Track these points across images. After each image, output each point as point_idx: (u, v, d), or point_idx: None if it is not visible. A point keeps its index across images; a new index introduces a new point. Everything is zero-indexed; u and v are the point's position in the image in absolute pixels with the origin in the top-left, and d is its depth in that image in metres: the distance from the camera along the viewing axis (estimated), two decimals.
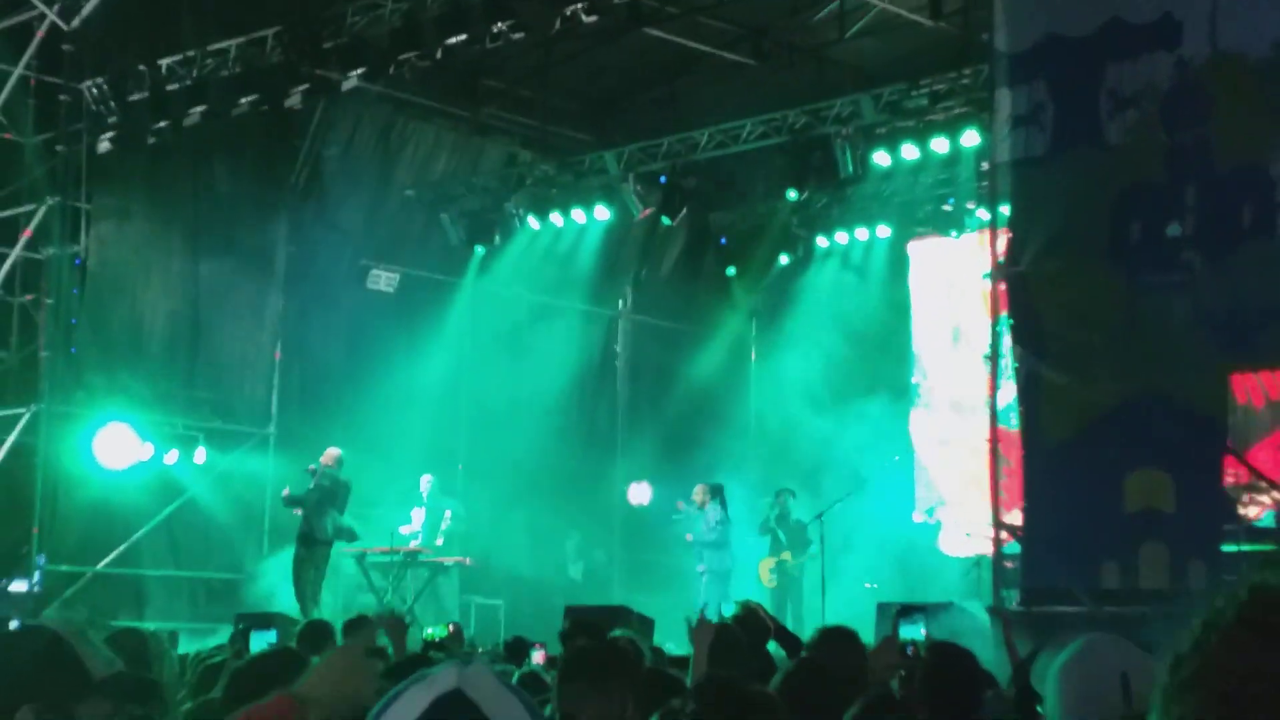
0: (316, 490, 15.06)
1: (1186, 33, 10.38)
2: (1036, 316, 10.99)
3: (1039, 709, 3.58)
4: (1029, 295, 11.01)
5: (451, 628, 9.64)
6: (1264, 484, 11.83)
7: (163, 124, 15.33)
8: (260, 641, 9.09)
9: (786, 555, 17.00)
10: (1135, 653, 3.10)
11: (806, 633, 12.32)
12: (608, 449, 20.90)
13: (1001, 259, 11.42)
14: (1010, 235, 11.30)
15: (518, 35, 13.79)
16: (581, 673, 3.86)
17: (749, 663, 5.79)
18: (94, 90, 15.37)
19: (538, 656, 8.73)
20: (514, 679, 6.03)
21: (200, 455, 16.48)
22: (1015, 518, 11.30)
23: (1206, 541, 9.99)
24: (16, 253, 15.45)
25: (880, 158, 16.78)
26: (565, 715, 3.62)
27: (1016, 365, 11.06)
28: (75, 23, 15.10)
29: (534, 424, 18.98)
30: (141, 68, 15.31)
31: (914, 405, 19.92)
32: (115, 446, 15.57)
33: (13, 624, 7.95)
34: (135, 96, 15.36)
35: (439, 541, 16.81)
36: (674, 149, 17.43)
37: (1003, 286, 11.46)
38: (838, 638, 5.75)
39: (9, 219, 15.57)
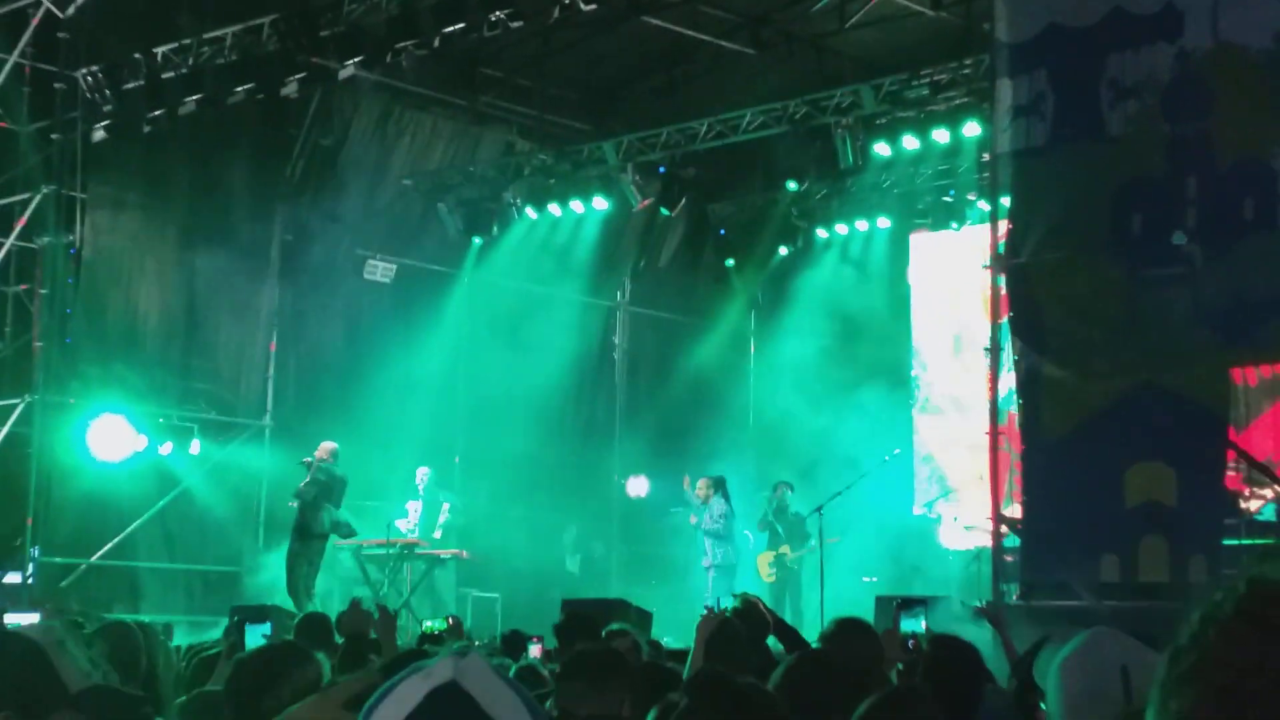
0: (314, 485, 15.04)
1: (1188, 24, 10.33)
2: (1036, 309, 10.95)
3: (1041, 705, 3.54)
4: (1029, 287, 10.97)
5: (450, 621, 9.60)
6: (1265, 478, 11.78)
7: (158, 113, 15.28)
8: (255, 634, 9.04)
9: (785, 549, 16.98)
10: (1138, 647, 3.04)
11: (805, 627, 12.29)
12: (606, 441, 20.88)
13: (1001, 248, 11.38)
14: (1010, 226, 11.26)
15: (516, 24, 13.74)
16: (581, 673, 3.83)
17: (749, 657, 5.75)
18: (89, 78, 15.31)
19: (535, 650, 8.69)
20: (511, 672, 5.98)
21: (195, 447, 16.45)
22: (1015, 511, 11.28)
23: (1207, 535, 9.96)
24: (11, 242, 15.39)
25: (881, 148, 16.76)
26: (563, 711, 3.59)
27: (1016, 358, 11.02)
28: (70, 10, 15.03)
29: (531, 416, 18.95)
30: (137, 56, 15.25)
31: (913, 398, 19.89)
32: (110, 438, 15.53)
33: (6, 617, 7.92)
34: (130, 85, 15.29)
35: (436, 534, 16.79)
36: (673, 139, 17.39)
37: (1003, 278, 11.42)
38: (852, 629, 5.72)
39: (4, 208, 15.52)
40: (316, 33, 14.37)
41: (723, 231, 20.62)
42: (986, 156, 12.99)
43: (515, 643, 9.01)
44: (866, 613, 12.51)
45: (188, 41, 15.13)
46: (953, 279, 19.20)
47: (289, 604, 13.77)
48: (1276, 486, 11.93)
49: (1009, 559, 11.23)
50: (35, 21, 15.09)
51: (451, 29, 13.69)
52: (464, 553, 16.62)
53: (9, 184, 15.49)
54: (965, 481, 18.06)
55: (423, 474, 17.12)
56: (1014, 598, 10.72)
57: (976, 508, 15.92)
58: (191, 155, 16.59)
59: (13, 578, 14.70)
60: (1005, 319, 11.39)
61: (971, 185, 17.66)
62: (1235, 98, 10.15)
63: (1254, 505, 12.01)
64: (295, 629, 8.25)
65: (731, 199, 20.61)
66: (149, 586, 15.79)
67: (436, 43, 13.93)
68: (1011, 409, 11.61)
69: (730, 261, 20.75)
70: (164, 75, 15.17)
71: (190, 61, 15.13)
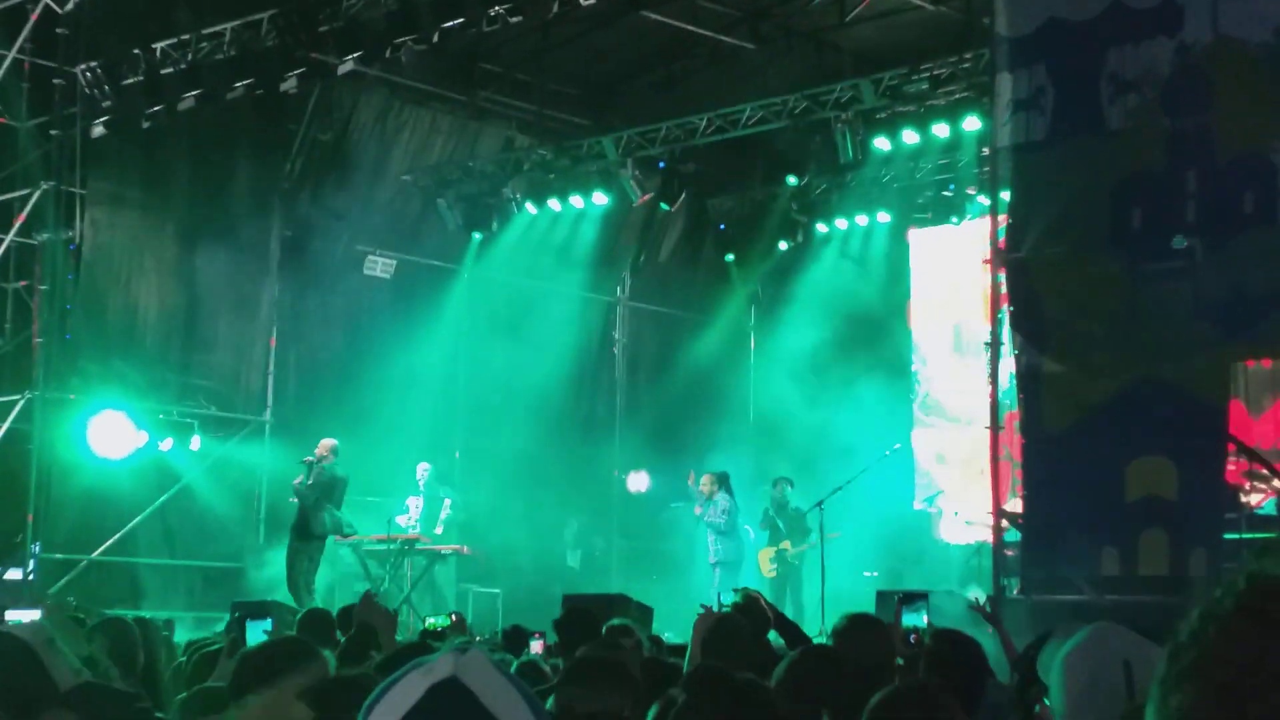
0: (316, 487, 15.04)
1: (1188, 18, 10.33)
2: (1037, 303, 10.95)
3: (1045, 700, 3.54)
4: (1029, 282, 10.97)
5: (454, 617, 9.60)
6: (1266, 470, 11.78)
7: (157, 108, 15.25)
8: (255, 630, 9.03)
9: (786, 545, 16.97)
10: (1141, 642, 3.04)
11: (806, 622, 12.29)
12: (606, 436, 20.87)
13: (999, 242, 11.38)
14: (1010, 221, 11.25)
15: (515, 19, 13.73)
16: (582, 679, 3.85)
17: (751, 652, 5.74)
18: (88, 74, 15.28)
19: (536, 646, 8.68)
20: (513, 668, 5.98)
21: (196, 443, 16.42)
22: (1015, 505, 11.28)
23: (1208, 529, 9.97)
24: (10, 238, 15.37)
25: (880, 143, 16.75)
26: (564, 708, 3.60)
27: (1016, 353, 11.02)
28: (69, 6, 15.01)
29: (531, 411, 18.94)
30: (136, 51, 15.22)
31: (913, 392, 19.89)
32: (110, 434, 15.51)
33: (7, 614, 7.90)
34: (130, 80, 15.27)
35: (438, 530, 16.78)
36: (672, 134, 17.37)
37: (1003, 273, 11.42)
38: (864, 625, 5.70)
39: (3, 204, 15.49)
40: (316, 28, 14.36)
41: (722, 226, 20.61)
42: (986, 151, 12.98)
43: (517, 638, 9.00)
44: (867, 607, 12.52)
45: (187, 37, 15.11)
46: (953, 274, 19.19)
47: (290, 600, 13.78)
48: (1276, 481, 11.93)
49: (1009, 553, 11.24)
50: (34, 17, 15.07)
51: (451, 24, 13.67)
52: (465, 548, 16.61)
53: (8, 180, 15.46)
54: (965, 476, 18.05)
55: (423, 469, 17.12)
56: (1014, 592, 10.72)
57: (977, 502, 15.92)
58: (191, 151, 16.56)
59: (13, 574, 14.68)
60: (1004, 308, 11.39)
61: (971, 180, 17.65)
62: (1235, 92, 10.15)
63: (1255, 499, 12.01)
64: (298, 625, 8.25)
65: (731, 194, 20.60)
66: (150, 583, 15.78)
67: (436, 38, 13.92)
68: (1012, 407, 11.61)
69: (730, 256, 20.76)
70: (163, 71, 15.15)
71: (189, 57, 15.10)
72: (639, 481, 20.41)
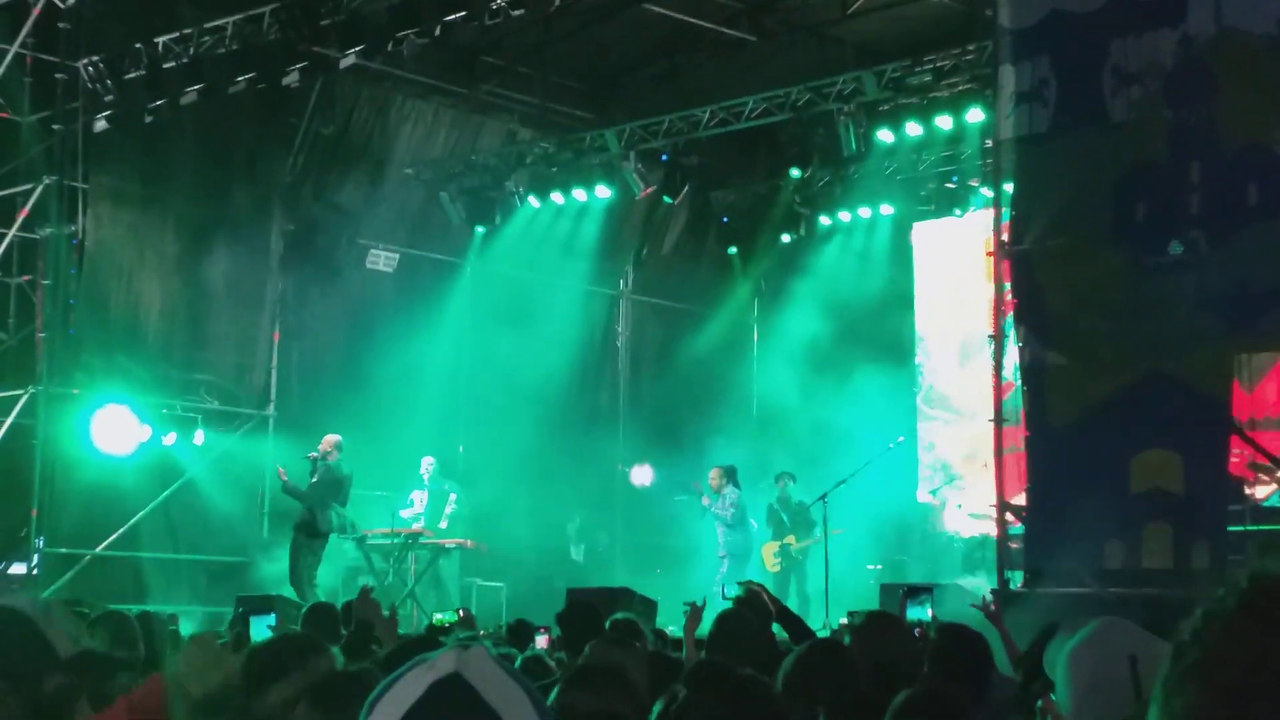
0: (320, 485, 15.04)
1: (1191, 9, 10.30)
2: (1040, 296, 10.94)
3: (1051, 695, 3.53)
4: (1032, 274, 10.95)
5: (461, 613, 9.60)
6: (1272, 465, 11.75)
7: (159, 103, 15.23)
8: (260, 625, 9.05)
9: (790, 539, 16.96)
10: (1146, 637, 3.04)
11: (811, 616, 12.28)
12: (609, 429, 20.86)
13: (1003, 234, 11.36)
14: (1014, 213, 11.23)
15: (517, 11, 13.71)
16: (584, 684, 3.85)
17: (757, 647, 5.74)
18: (90, 68, 15.27)
19: (541, 641, 8.68)
20: (517, 662, 5.98)
21: (199, 437, 16.43)
22: (1020, 498, 11.26)
23: (1212, 522, 9.96)
24: (13, 233, 15.37)
25: (884, 135, 16.74)
26: (564, 711, 3.61)
27: (1020, 345, 11.00)
28: (71, 0, 15.00)
29: (534, 404, 18.94)
30: (138, 46, 15.20)
31: (916, 385, 19.88)
32: (114, 428, 15.51)
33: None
34: (131, 75, 15.25)
35: (443, 525, 16.78)
36: (675, 127, 17.36)
37: (1006, 265, 11.40)
38: (882, 623, 5.67)
39: (6, 199, 15.48)
40: (317, 22, 14.33)
41: (725, 219, 20.61)
42: (990, 143, 12.96)
43: (522, 633, 9.00)
44: (870, 600, 12.53)
45: (188, 31, 15.09)
46: (956, 266, 19.17)
47: (294, 595, 13.79)
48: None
49: (1014, 546, 11.22)
50: (36, 12, 15.05)
51: (453, 17, 13.65)
52: (469, 542, 16.61)
53: (11, 175, 15.45)
54: (969, 469, 18.05)
55: (428, 463, 17.12)
56: (1019, 585, 10.71)
57: (980, 495, 15.92)
58: (193, 145, 16.55)
59: (18, 569, 14.69)
60: (1005, 286, 11.37)
61: (975, 172, 17.61)
62: (1239, 84, 10.12)
63: (1260, 492, 11.98)
64: (303, 619, 8.26)
65: (734, 187, 20.59)
66: (154, 578, 15.77)
67: (438, 31, 13.90)
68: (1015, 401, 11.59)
69: (733, 249, 20.75)
70: (165, 65, 15.13)
71: (191, 51, 15.08)
72: (642, 475, 20.41)
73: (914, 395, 19.77)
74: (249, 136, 17.09)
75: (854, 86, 15.95)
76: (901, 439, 17.81)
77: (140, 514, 15.79)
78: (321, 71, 15.47)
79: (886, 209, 19.75)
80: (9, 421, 15.04)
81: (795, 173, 17.76)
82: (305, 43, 14.58)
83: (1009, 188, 11.41)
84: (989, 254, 13.09)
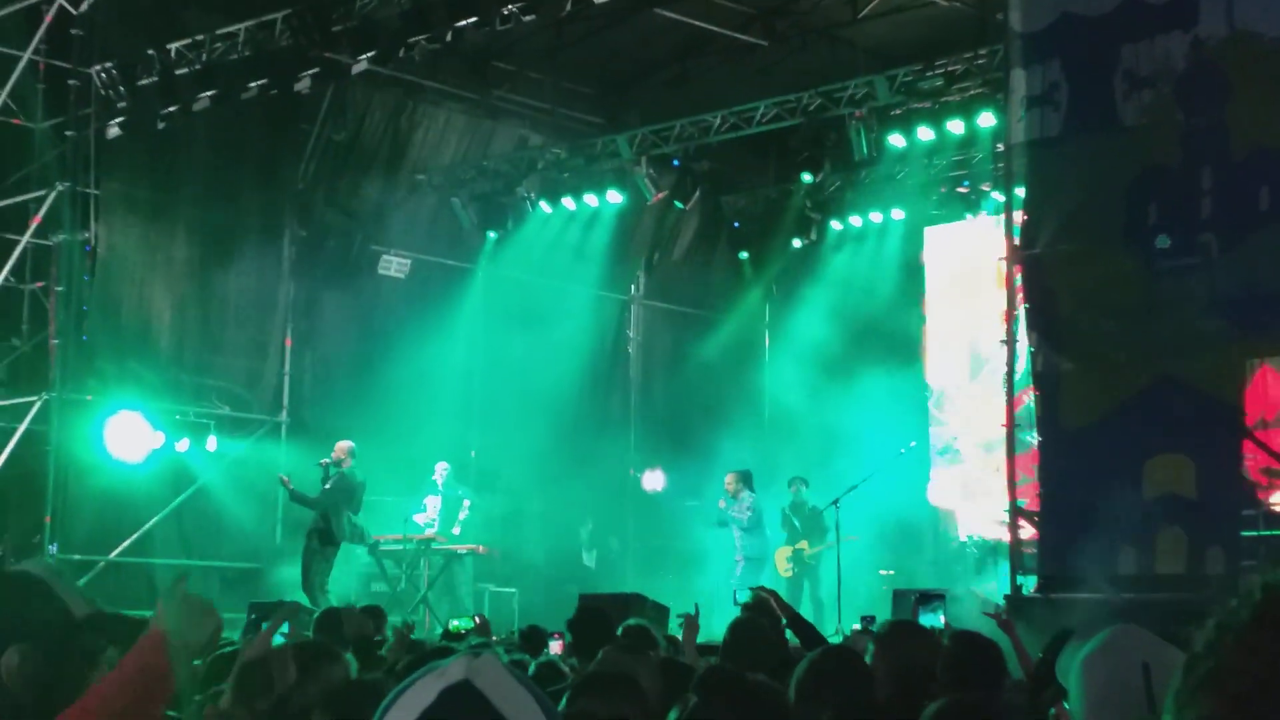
0: (334, 492, 15.05)
1: (1203, 12, 10.29)
2: (1052, 300, 10.92)
3: (1064, 703, 3.52)
4: (1044, 278, 10.93)
5: (477, 620, 9.60)
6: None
7: (172, 109, 15.28)
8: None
9: (804, 545, 16.93)
10: (1160, 645, 3.02)
11: (824, 623, 12.25)
12: (620, 434, 20.85)
13: (1015, 237, 11.34)
14: (1025, 217, 11.22)
15: (528, 17, 13.72)
16: (593, 691, 3.86)
17: (773, 653, 5.73)
18: (103, 75, 15.31)
19: (555, 646, 8.67)
20: (530, 669, 5.98)
21: (212, 443, 16.45)
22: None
23: (1225, 527, 9.93)
24: (27, 239, 15.40)
25: (895, 140, 16.72)
26: (576, 713, 3.62)
27: (1033, 350, 10.98)
28: (84, 7, 15.02)
29: (546, 410, 18.92)
30: (150, 52, 15.24)
31: (928, 389, 19.84)
32: (127, 435, 15.54)
33: None
34: (144, 81, 15.29)
35: (456, 530, 16.76)
36: (686, 132, 17.35)
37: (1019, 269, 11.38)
38: (907, 632, 5.62)
39: (19, 205, 15.51)
40: (329, 28, 14.36)
41: (736, 224, 20.60)
42: (1001, 147, 12.95)
43: (534, 638, 9.00)
44: (883, 605, 12.49)
45: (201, 37, 15.13)
46: (967, 270, 19.13)
47: (306, 601, 13.79)
48: None
49: (1027, 551, 11.20)
50: (49, 18, 15.08)
51: (464, 23, 13.66)
52: (481, 547, 16.61)
53: (24, 181, 15.49)
54: (981, 474, 18.01)
55: (441, 469, 17.10)
56: (1031, 590, 10.69)
57: (993, 500, 15.88)
58: (205, 151, 16.60)
59: None
60: (1019, 298, 11.35)
61: (986, 176, 17.60)
62: (1251, 87, 10.10)
63: (1274, 497, 11.95)
64: (315, 625, 8.26)
65: (745, 191, 20.58)
66: (166, 584, 15.75)
67: (449, 37, 13.90)
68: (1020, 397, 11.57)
69: (744, 254, 20.74)
70: (177, 71, 15.17)
71: (203, 57, 15.12)
72: (654, 480, 20.39)
73: (925, 399, 19.73)
74: (261, 143, 17.12)
75: (865, 91, 15.93)
76: (914, 444, 17.78)
77: (153, 520, 15.82)
78: (333, 77, 15.50)
79: (898, 213, 19.73)
80: (22, 428, 15.06)
81: (806, 177, 17.73)
82: (317, 49, 14.62)
83: (1020, 192, 11.40)
84: (1001, 258, 13.07)
